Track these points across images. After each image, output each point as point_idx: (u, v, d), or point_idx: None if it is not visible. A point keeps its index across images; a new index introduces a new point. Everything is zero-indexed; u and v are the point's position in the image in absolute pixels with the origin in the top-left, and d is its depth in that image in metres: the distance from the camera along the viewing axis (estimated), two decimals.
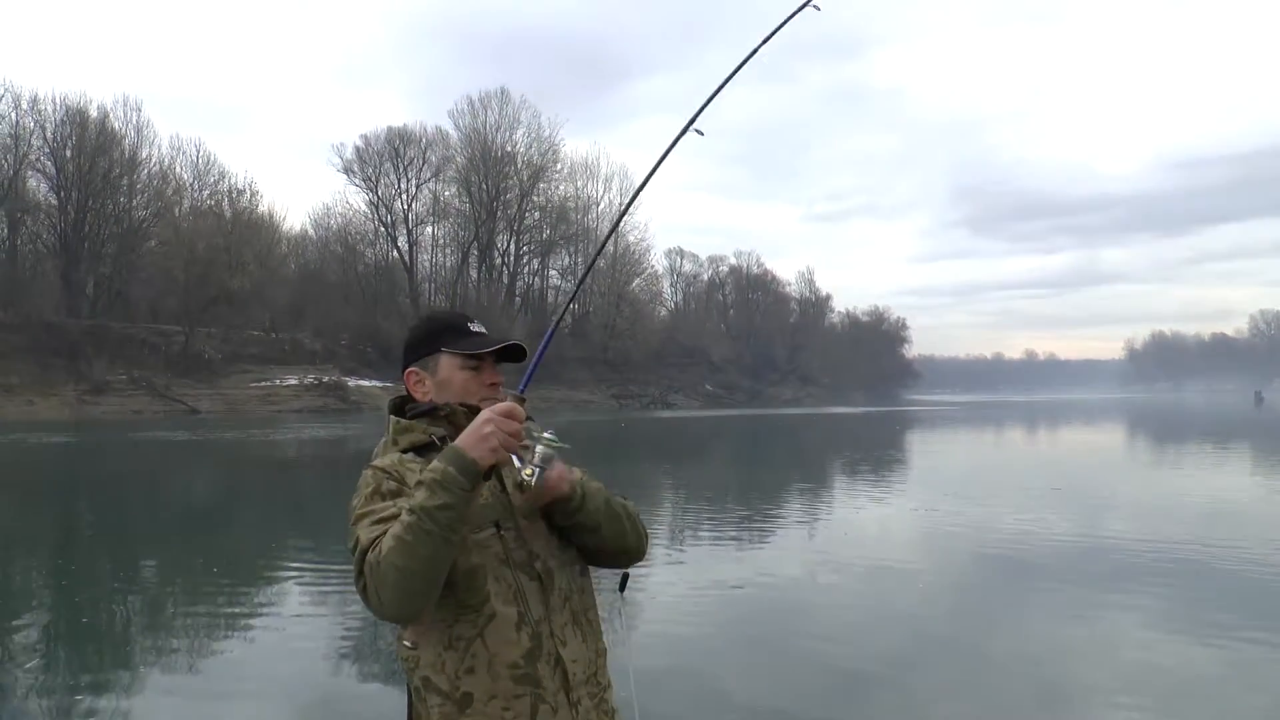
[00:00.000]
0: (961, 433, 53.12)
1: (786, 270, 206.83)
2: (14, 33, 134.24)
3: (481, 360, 2.53)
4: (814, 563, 12.79)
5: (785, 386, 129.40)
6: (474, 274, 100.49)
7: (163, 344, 72.90)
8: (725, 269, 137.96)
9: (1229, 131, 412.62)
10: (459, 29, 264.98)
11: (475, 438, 2.23)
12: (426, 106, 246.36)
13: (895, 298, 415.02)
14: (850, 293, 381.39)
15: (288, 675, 7.84)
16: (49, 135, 74.73)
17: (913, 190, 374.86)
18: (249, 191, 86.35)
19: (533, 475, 2.33)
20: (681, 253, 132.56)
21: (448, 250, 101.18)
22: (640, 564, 2.66)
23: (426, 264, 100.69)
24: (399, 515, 2.20)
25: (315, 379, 74.61)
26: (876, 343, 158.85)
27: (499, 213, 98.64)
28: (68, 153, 74.79)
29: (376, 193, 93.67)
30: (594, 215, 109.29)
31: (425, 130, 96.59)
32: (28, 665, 8.11)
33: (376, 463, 2.42)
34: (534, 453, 2.34)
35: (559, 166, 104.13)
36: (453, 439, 2.34)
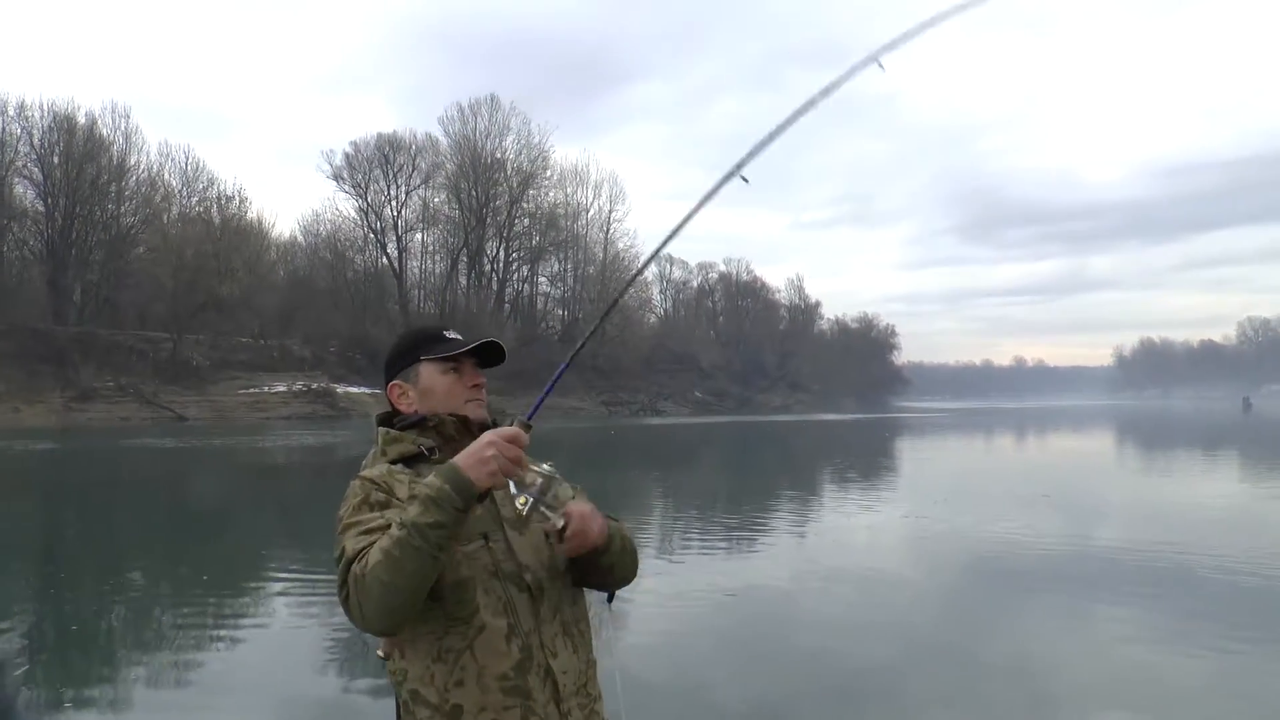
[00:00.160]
0: (951, 440, 53.22)
1: (776, 277, 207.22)
2: (1, 39, 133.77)
3: (461, 362, 2.54)
4: (805, 570, 12.79)
5: (775, 393, 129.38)
6: (463, 281, 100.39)
7: (151, 351, 72.65)
8: (715, 276, 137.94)
9: (1215, 139, 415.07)
10: (448, 35, 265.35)
11: (475, 459, 2.20)
12: (416, 113, 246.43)
13: (885, 305, 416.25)
14: (840, 299, 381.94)
15: (275, 685, 7.81)
16: (36, 142, 74.45)
17: (903, 197, 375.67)
18: (238, 198, 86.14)
19: (525, 504, 2.31)
20: (671, 259, 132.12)
21: (437, 257, 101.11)
22: None
23: (416, 271, 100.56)
24: (386, 527, 2.18)
25: (304, 386, 74.39)
26: (866, 350, 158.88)
27: (488, 219, 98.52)
28: (55, 159, 74.44)
29: (366, 199, 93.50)
30: (584, 222, 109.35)
31: (415, 137, 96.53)
32: (15, 673, 8.06)
33: (365, 473, 2.40)
34: (532, 482, 2.32)
35: (549, 173, 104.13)
36: (441, 450, 2.31)
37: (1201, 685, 7.71)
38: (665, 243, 3.07)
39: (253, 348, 79.37)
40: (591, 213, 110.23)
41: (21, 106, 73.65)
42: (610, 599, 2.65)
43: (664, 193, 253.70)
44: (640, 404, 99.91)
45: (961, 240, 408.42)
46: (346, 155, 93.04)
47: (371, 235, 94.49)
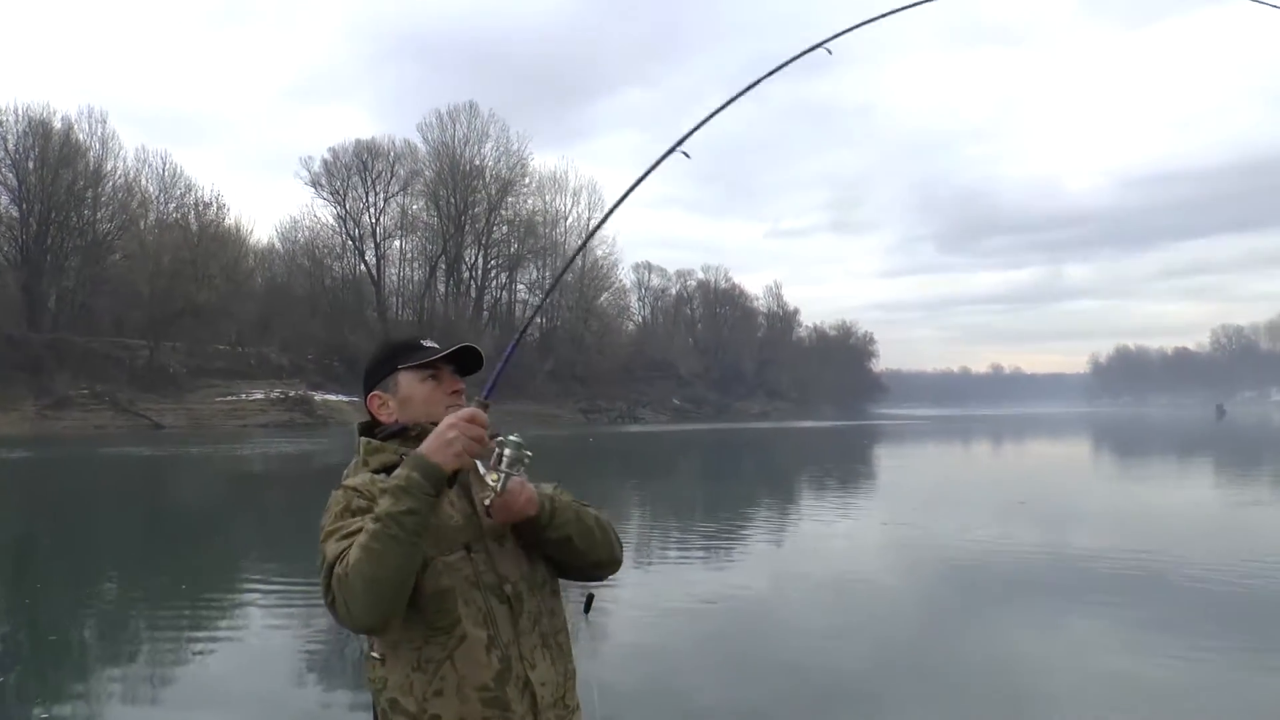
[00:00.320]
0: (928, 447, 53.41)
1: (754, 285, 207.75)
2: None
3: (439, 369, 2.55)
4: (783, 577, 12.83)
5: (753, 401, 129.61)
6: (442, 288, 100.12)
7: (127, 358, 72.13)
8: (693, 283, 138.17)
9: (1189, 150, 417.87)
10: (427, 43, 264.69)
11: (439, 443, 2.24)
12: (395, 120, 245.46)
13: (863, 312, 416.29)
14: (818, 307, 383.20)
15: (252, 693, 7.79)
16: (10, 147, 73.70)
17: (881, 206, 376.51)
18: (216, 204, 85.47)
19: (498, 480, 2.33)
20: (649, 267, 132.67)
21: (415, 264, 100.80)
22: (608, 579, 2.67)
23: (394, 278, 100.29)
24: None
25: (282, 393, 74.00)
26: (844, 357, 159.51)
27: (467, 227, 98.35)
28: (30, 164, 73.80)
29: (344, 206, 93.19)
30: (562, 229, 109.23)
31: (393, 144, 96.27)
32: None
33: (347, 482, 2.42)
34: (499, 458, 2.35)
35: (527, 180, 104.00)
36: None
37: (1177, 687, 7.79)
38: (607, 215, 3.26)
39: (230, 355, 78.89)
40: (570, 220, 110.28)
41: None
42: (587, 609, 2.67)
43: (643, 200, 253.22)
44: (618, 411, 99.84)
45: (940, 248, 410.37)
46: (325, 162, 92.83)
47: (350, 242, 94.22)
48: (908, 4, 3.41)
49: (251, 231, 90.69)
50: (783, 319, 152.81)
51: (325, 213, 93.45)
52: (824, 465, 37.80)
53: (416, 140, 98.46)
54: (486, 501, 2.35)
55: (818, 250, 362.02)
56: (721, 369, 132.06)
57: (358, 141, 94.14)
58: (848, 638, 9.59)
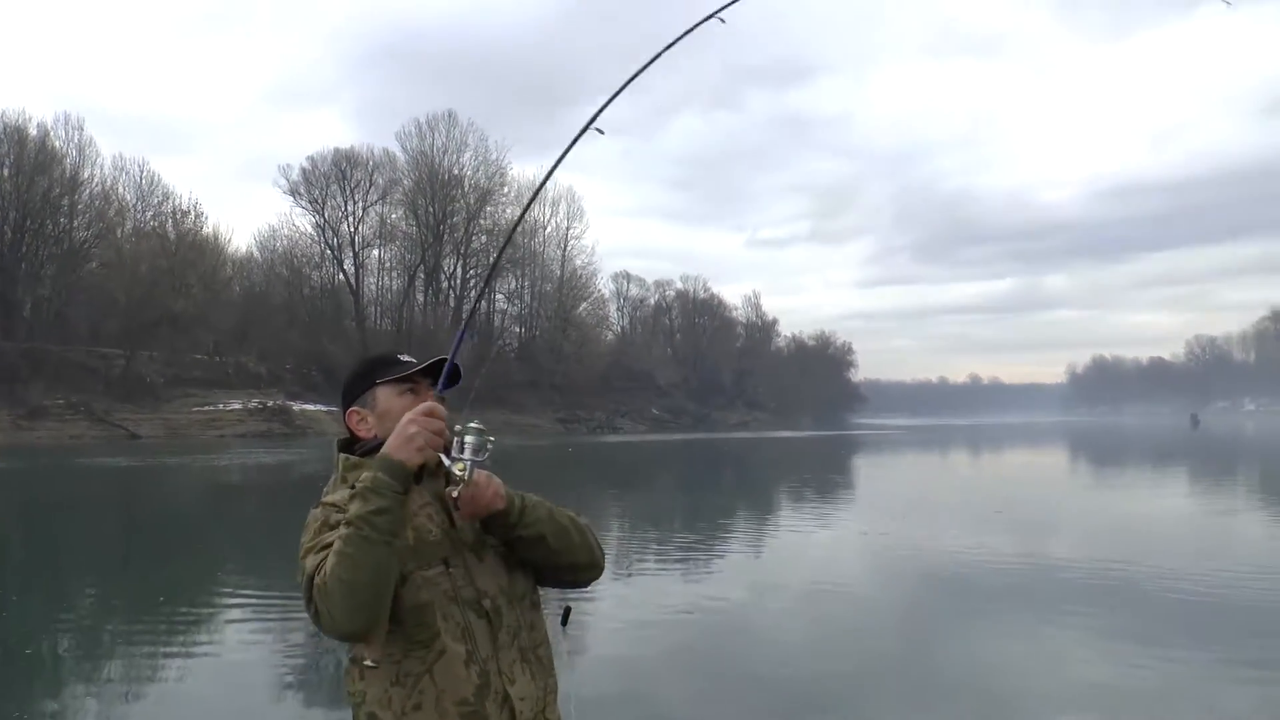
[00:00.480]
0: (907, 457, 53.60)
1: (733, 295, 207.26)
2: None
3: (417, 383, 2.56)
4: (763, 587, 12.86)
5: (732, 411, 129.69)
6: (420, 297, 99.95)
7: (103, 367, 71.62)
8: (672, 293, 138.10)
9: (1162, 162, 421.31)
10: (407, 52, 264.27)
11: (401, 440, 2.28)
12: (374, 128, 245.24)
13: (841, 322, 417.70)
14: (797, 317, 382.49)
15: (230, 708, 7.76)
16: None
17: (858, 216, 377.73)
18: (193, 213, 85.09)
19: (465, 470, 2.36)
20: (628, 277, 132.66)
21: (394, 273, 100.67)
22: (588, 588, 2.69)
23: (373, 287, 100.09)
24: None
25: (260, 403, 73.67)
26: (823, 367, 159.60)
27: (446, 236, 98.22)
28: (5, 171, 73.24)
29: (323, 215, 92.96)
30: (541, 239, 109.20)
31: (372, 152, 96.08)
32: None
33: (326, 499, 2.44)
34: (461, 446, 2.38)
35: (506, 190, 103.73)
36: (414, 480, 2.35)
37: (1152, 693, 7.87)
38: (535, 195, 3.59)
39: (208, 364, 78.46)
40: (549, 229, 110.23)
41: None
42: (564, 622, 2.70)
43: (623, 209, 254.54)
44: (597, 421, 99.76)
45: (918, 259, 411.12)
46: (303, 170, 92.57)
47: (328, 251, 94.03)
48: None
49: (229, 240, 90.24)
50: (761, 329, 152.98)
51: (304, 221, 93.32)
52: (802, 475, 37.87)
53: (395, 149, 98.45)
54: (454, 494, 2.37)
55: (796, 260, 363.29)
56: (700, 379, 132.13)
57: (336, 150, 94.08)
58: (826, 648, 9.63)
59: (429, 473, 2.42)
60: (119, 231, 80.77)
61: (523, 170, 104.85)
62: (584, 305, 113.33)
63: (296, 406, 75.04)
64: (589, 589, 2.71)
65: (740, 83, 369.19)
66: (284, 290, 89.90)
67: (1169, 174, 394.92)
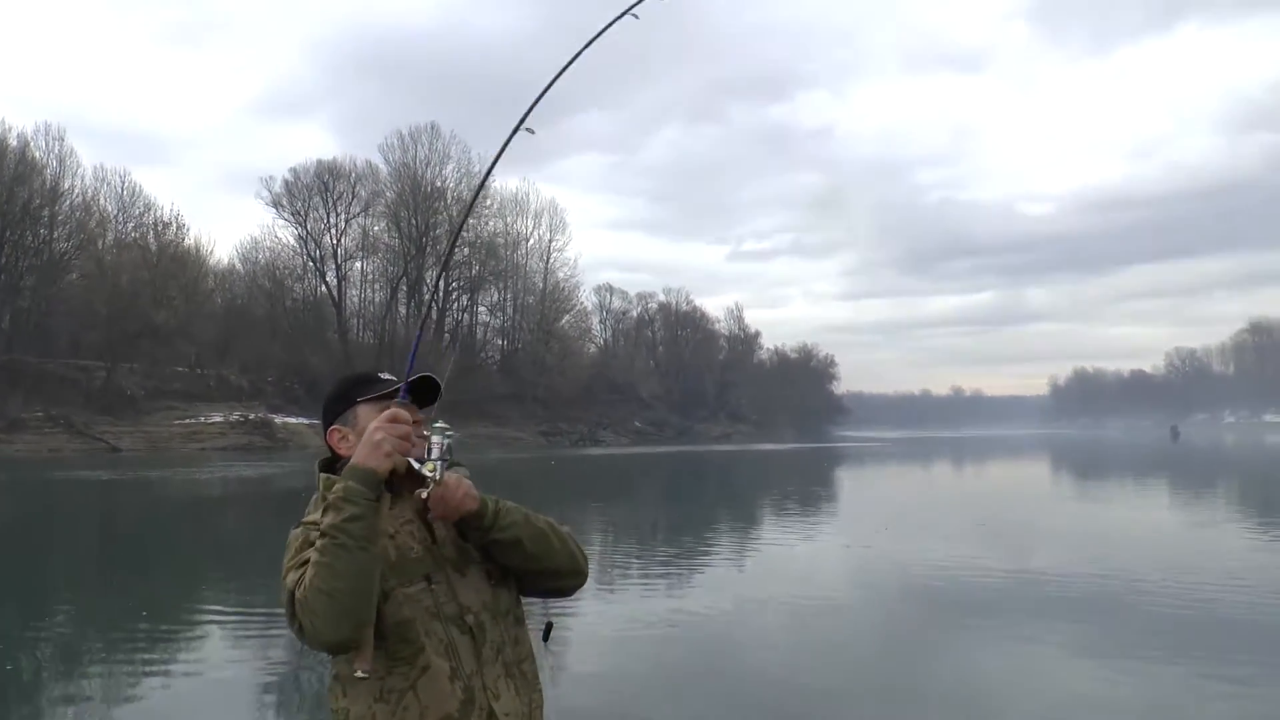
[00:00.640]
0: (890, 469, 53.74)
1: (716, 307, 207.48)
2: None
3: (397, 399, 2.54)
4: (746, 600, 12.85)
5: (714, 423, 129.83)
6: (403, 310, 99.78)
7: (83, 379, 71.18)
8: (654, 306, 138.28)
9: (1142, 176, 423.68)
10: (389, 63, 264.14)
11: (368, 448, 2.29)
12: (357, 140, 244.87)
13: (824, 335, 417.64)
14: (779, 330, 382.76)
15: None
16: None
17: (841, 229, 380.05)
18: (175, 224, 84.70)
19: (435, 470, 2.37)
20: (611, 289, 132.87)
21: (376, 286, 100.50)
22: (569, 602, 2.70)
23: (355, 299, 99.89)
24: None
25: (241, 416, 73.32)
26: (805, 379, 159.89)
27: (428, 248, 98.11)
28: None
29: (305, 227, 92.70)
30: (523, 251, 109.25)
31: (355, 164, 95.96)
32: None
33: (307, 519, 2.43)
34: (429, 448, 2.39)
35: (489, 202, 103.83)
36: (389, 491, 2.36)
37: (1135, 705, 7.90)
38: (476, 195, 3.40)
39: (189, 377, 78.08)
40: (531, 242, 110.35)
41: None
42: (546, 637, 2.70)
43: (605, 222, 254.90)
44: (580, 434, 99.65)
45: (900, 271, 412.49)
46: (286, 182, 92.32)
47: (311, 263, 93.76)
48: None
49: (211, 252, 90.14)
50: (744, 341, 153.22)
51: (286, 233, 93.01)
52: (786, 488, 37.90)
53: (378, 161, 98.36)
54: (424, 494, 2.38)
55: (779, 273, 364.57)
56: (683, 391, 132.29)
57: (319, 162, 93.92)
58: (809, 662, 9.63)
59: (403, 488, 2.42)
60: (100, 243, 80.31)
61: (505, 183, 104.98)
62: (567, 318, 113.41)
63: (278, 419, 74.70)
64: (572, 603, 2.71)
65: (721, 95, 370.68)
66: (266, 302, 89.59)
67: (1148, 188, 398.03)
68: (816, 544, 19.09)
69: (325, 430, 2.61)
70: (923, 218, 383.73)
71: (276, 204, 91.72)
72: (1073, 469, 51.48)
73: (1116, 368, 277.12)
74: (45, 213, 75.69)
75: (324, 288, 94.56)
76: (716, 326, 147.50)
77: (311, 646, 2.27)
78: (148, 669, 9.49)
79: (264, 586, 12.69)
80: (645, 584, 14.44)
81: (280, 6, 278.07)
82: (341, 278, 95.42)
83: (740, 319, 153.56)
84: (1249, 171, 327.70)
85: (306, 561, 2.25)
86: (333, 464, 2.56)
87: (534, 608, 2.67)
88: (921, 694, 8.41)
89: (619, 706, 7.99)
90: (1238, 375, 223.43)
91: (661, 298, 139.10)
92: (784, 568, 15.86)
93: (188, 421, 71.41)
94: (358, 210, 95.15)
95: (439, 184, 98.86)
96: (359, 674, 2.31)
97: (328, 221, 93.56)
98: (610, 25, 3.16)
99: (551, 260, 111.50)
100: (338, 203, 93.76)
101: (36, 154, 75.89)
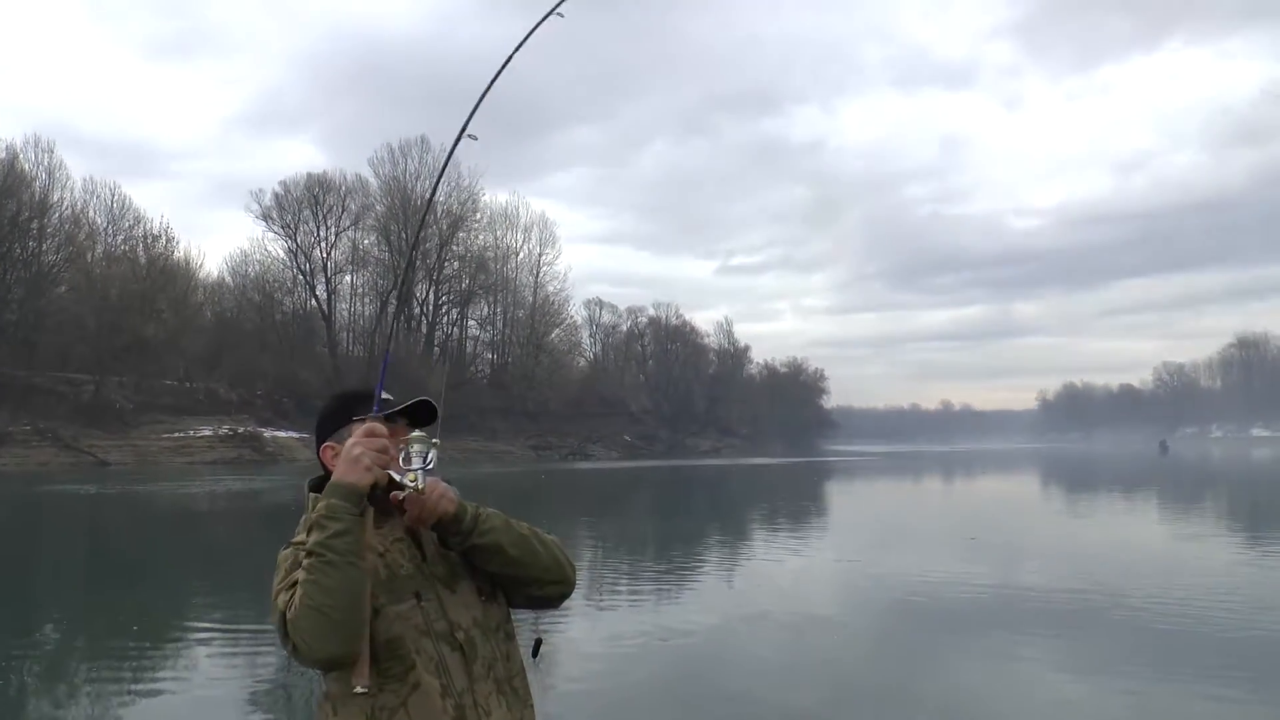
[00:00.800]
0: (880, 483, 53.77)
1: (705, 321, 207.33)
2: None
3: (394, 421, 2.54)
4: (736, 614, 12.87)
5: (704, 437, 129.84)
6: (392, 323, 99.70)
7: (71, 393, 70.86)
8: (644, 320, 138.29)
9: (1128, 191, 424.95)
10: (379, 77, 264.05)
11: (347, 463, 2.30)
12: (346, 154, 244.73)
13: (813, 349, 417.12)
14: (769, 344, 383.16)
15: None
16: None
17: (830, 243, 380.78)
18: (165, 237, 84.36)
19: (416, 479, 2.38)
20: (600, 303, 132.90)
21: (366, 299, 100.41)
22: (559, 618, 2.71)
23: (345, 313, 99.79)
24: None
25: (230, 430, 73.11)
26: (795, 394, 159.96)
27: (418, 262, 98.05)
28: None
29: (295, 240, 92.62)
30: (513, 265, 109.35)
31: (345, 178, 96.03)
32: None
33: (295, 539, 2.42)
34: (408, 457, 2.40)
35: (478, 216, 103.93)
36: (376, 509, 2.38)
37: (1123, 718, 7.95)
38: (426, 206, 3.40)
39: (178, 390, 77.81)
40: (521, 256, 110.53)
41: None
42: (535, 653, 2.71)
43: (595, 235, 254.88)
44: (569, 448, 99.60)
45: (889, 285, 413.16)
46: (276, 195, 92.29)
47: (300, 277, 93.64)
48: None
49: (201, 265, 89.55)
50: (733, 355, 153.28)
51: (276, 246, 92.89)
52: (775, 502, 37.92)
53: (368, 174, 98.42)
54: (400, 496, 2.39)
55: (768, 287, 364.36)
56: (672, 406, 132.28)
57: (309, 175, 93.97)
58: (800, 674, 9.65)
59: (385, 505, 2.42)
60: (89, 255, 79.95)
61: (495, 197, 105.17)
62: (556, 332, 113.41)
63: (267, 433, 74.52)
64: (561, 620, 2.73)
65: (710, 109, 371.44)
66: (255, 316, 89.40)
67: (1136, 203, 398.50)
68: (807, 558, 19.11)
69: (318, 447, 2.60)
70: (912, 232, 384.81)
71: (266, 217, 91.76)
72: (1062, 483, 51.59)
73: (1105, 382, 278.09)
74: (34, 225, 75.33)
75: (314, 301, 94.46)
76: (706, 340, 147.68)
77: (304, 664, 2.27)
78: (136, 684, 9.46)
79: (252, 601, 12.67)
80: (635, 599, 14.43)
81: (269, 19, 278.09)
82: (331, 291, 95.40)
83: (730, 333, 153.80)
84: (1235, 186, 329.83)
85: (296, 582, 2.26)
86: (324, 482, 2.56)
87: (523, 625, 2.68)
88: (913, 707, 8.43)
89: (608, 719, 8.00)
90: (1225, 390, 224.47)
91: (651, 312, 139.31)
92: (774, 582, 15.87)
93: (176, 435, 71.17)
94: (348, 224, 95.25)
95: (429, 197, 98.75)
96: (358, 689, 2.29)
97: (318, 235, 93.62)
98: (538, 26, 3.19)
99: (541, 274, 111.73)
100: (328, 216, 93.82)
101: (26, 166, 75.58)
